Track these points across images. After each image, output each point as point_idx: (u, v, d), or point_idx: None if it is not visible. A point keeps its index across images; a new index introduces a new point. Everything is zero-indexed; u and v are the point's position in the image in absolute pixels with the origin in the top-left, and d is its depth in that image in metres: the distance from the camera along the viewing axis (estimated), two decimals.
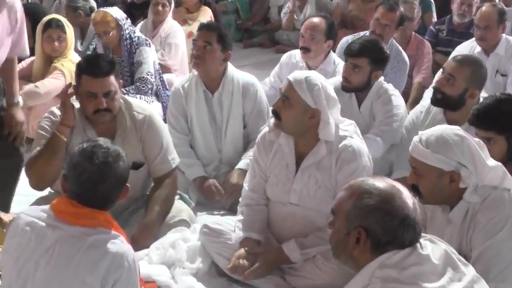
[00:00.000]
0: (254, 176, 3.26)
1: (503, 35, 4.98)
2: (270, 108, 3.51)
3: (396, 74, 4.98)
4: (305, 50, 4.67)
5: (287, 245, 3.07)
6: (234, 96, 4.03)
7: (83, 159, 2.33)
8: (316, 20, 4.73)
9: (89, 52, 5.52)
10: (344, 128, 3.11)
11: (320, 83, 3.02)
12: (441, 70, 3.69)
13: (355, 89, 4.03)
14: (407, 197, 2.07)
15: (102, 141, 2.40)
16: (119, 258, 2.24)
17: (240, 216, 3.21)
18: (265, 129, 3.26)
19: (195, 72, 4.08)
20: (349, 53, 4.02)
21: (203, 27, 4.05)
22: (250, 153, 3.75)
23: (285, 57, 5.00)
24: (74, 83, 3.36)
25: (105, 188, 2.31)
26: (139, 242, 3.20)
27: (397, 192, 2.06)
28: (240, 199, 3.31)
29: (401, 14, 5.20)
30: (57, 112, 3.34)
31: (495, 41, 4.92)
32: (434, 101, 3.63)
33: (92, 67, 3.24)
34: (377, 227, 2.02)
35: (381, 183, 2.08)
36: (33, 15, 4.97)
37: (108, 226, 2.31)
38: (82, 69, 3.28)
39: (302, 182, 3.09)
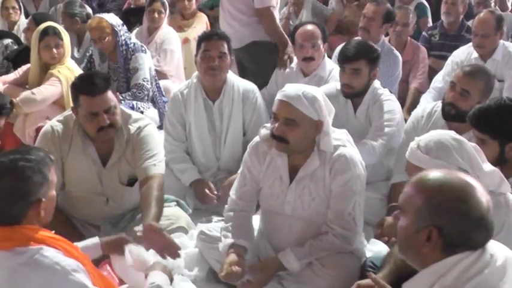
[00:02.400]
0: (244, 185, 3.18)
1: (501, 41, 4.97)
2: (271, 115, 3.47)
3: (388, 69, 5.00)
4: (309, 60, 4.57)
5: (284, 255, 3.02)
6: (234, 103, 4.01)
7: None
8: (311, 27, 4.63)
9: (86, 59, 5.52)
10: (337, 137, 3.07)
11: (316, 94, 2.97)
12: (450, 85, 3.64)
13: (358, 93, 4.00)
14: (482, 195, 1.90)
15: (27, 153, 2.20)
16: (45, 272, 2.09)
17: (224, 224, 3.15)
18: (256, 139, 3.19)
19: (194, 79, 4.05)
20: (346, 59, 3.98)
21: (214, 37, 3.95)
22: None
23: None
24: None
25: None
26: (150, 235, 2.92)
27: (472, 191, 1.89)
28: (226, 206, 3.24)
29: (387, 9, 5.22)
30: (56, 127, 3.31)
31: (493, 47, 4.91)
32: (447, 116, 3.60)
33: (88, 86, 3.17)
34: (451, 227, 1.87)
35: (455, 179, 1.92)
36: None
37: (26, 242, 2.12)
38: (79, 90, 3.20)
39: (296, 194, 3.05)
